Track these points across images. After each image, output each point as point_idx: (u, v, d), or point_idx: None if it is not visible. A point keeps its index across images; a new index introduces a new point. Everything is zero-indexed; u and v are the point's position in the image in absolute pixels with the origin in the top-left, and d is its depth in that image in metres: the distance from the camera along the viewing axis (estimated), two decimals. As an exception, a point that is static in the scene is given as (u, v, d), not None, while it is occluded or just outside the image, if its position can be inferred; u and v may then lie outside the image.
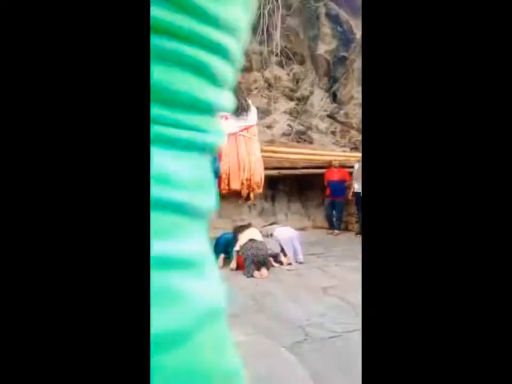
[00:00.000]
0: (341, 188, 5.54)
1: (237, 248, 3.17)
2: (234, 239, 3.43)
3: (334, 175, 5.54)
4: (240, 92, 3.66)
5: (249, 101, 3.70)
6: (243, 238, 3.22)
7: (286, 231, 3.71)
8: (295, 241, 3.56)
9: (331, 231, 5.61)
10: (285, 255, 3.47)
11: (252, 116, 3.62)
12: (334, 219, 5.63)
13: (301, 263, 3.44)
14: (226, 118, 3.31)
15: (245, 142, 3.55)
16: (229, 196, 3.72)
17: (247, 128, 3.56)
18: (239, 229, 3.51)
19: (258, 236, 3.30)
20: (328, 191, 5.61)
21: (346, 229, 5.97)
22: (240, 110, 3.41)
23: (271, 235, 3.67)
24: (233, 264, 3.14)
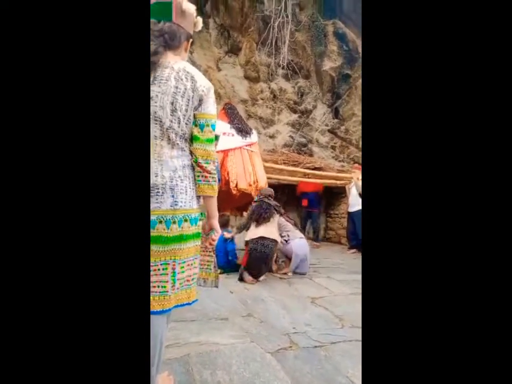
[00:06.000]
0: (316, 199, 5.52)
1: (247, 238, 3.21)
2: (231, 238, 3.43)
3: (308, 187, 5.49)
4: (242, 120, 4.40)
5: (250, 126, 4.52)
6: (256, 232, 3.19)
7: (302, 248, 3.52)
8: (304, 260, 3.49)
9: (314, 243, 5.40)
10: (287, 265, 3.49)
11: (254, 136, 4.30)
12: (312, 230, 5.56)
13: (297, 273, 3.47)
14: (233, 135, 4.03)
15: (248, 154, 4.12)
16: (240, 197, 3.97)
17: (249, 145, 4.19)
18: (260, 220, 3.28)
19: (275, 232, 3.26)
20: (305, 202, 5.55)
21: (339, 243, 6.01)
22: (244, 133, 4.12)
23: (288, 243, 3.53)
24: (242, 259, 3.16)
